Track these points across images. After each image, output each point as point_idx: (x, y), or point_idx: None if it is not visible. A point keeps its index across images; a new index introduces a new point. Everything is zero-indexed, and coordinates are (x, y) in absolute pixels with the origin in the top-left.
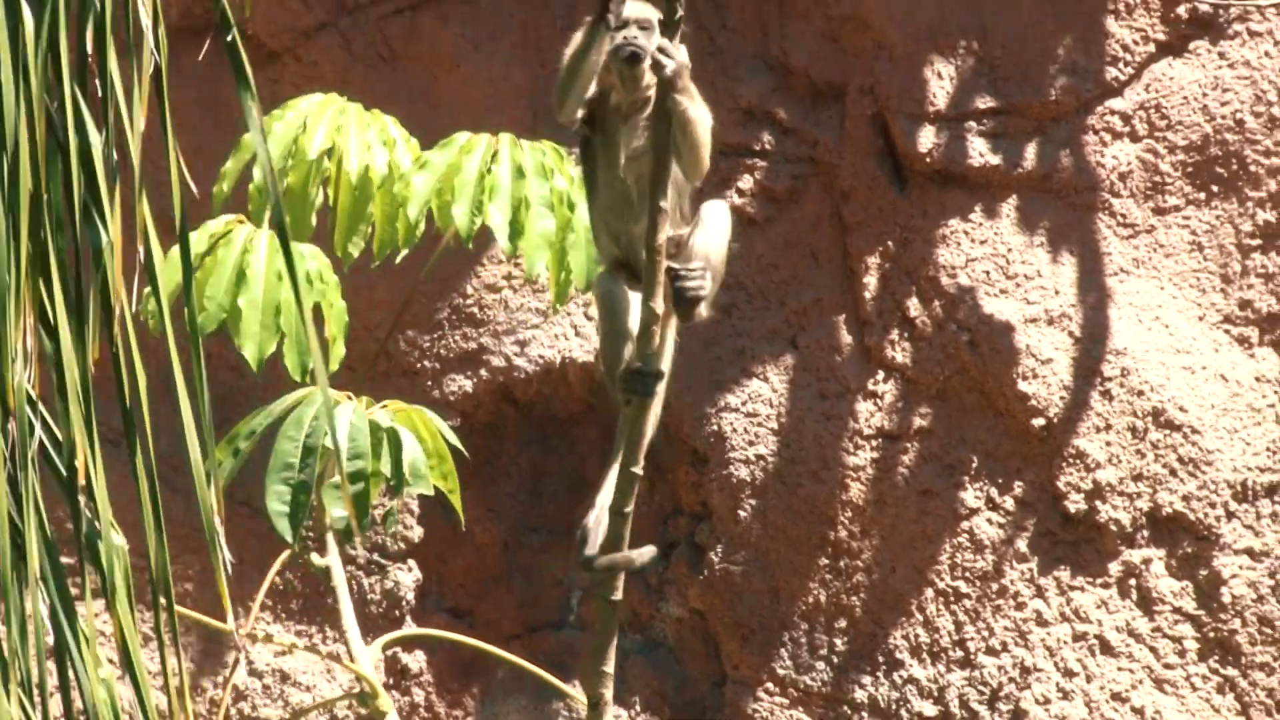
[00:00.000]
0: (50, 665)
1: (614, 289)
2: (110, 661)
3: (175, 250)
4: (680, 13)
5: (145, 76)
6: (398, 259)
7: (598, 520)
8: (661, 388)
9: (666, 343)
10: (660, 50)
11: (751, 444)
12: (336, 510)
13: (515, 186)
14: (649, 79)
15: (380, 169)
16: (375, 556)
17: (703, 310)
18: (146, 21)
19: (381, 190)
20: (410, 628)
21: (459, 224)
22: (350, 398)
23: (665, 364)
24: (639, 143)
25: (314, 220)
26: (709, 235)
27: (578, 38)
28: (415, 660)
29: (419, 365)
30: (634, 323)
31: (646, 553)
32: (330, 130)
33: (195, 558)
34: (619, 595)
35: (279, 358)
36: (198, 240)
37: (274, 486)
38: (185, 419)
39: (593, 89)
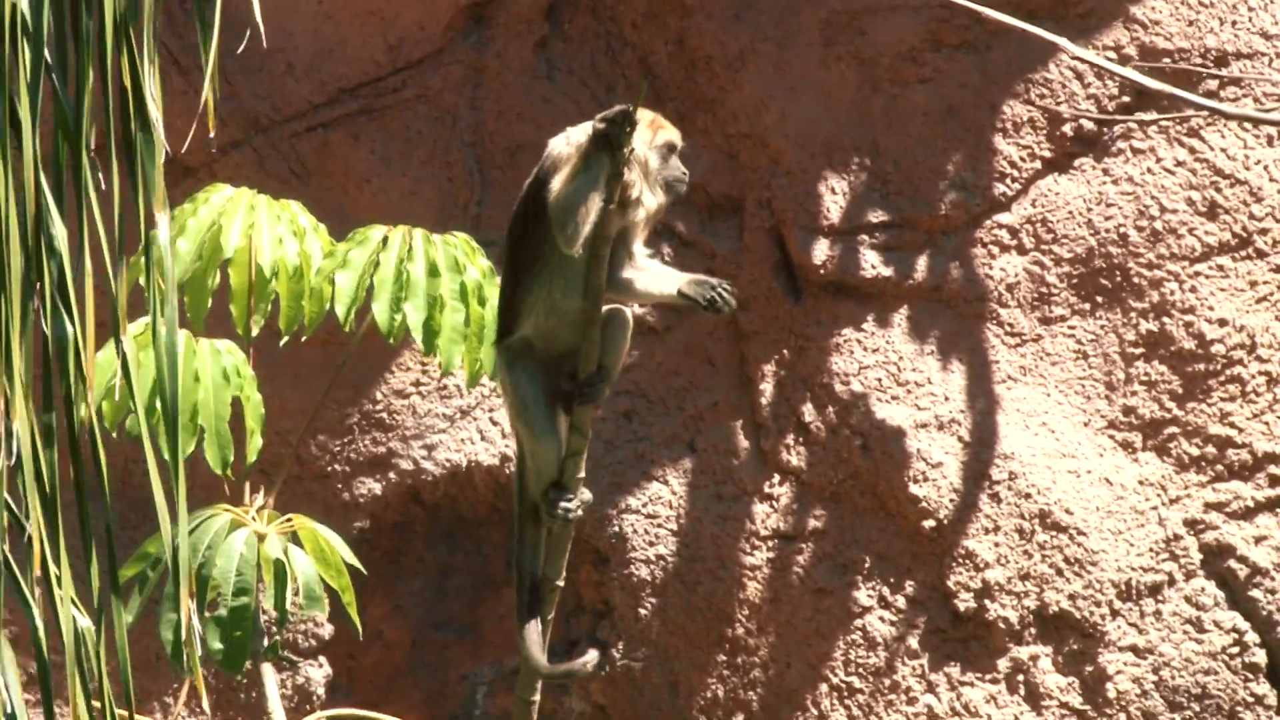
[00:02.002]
0: None
1: (535, 408)
2: None
3: (102, 353)
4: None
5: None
6: (303, 338)
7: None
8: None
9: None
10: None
11: (652, 544)
12: (216, 643)
13: (430, 284)
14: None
15: (292, 259)
16: (287, 653)
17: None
18: (156, 115)
19: (291, 279)
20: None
21: (380, 321)
22: (253, 517)
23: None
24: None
25: (210, 302)
26: (610, 344)
27: (573, 169)
28: None
29: (330, 469)
30: (557, 440)
31: (592, 659)
32: (244, 228)
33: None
34: (537, 696)
35: (199, 454)
36: (126, 345)
37: (166, 615)
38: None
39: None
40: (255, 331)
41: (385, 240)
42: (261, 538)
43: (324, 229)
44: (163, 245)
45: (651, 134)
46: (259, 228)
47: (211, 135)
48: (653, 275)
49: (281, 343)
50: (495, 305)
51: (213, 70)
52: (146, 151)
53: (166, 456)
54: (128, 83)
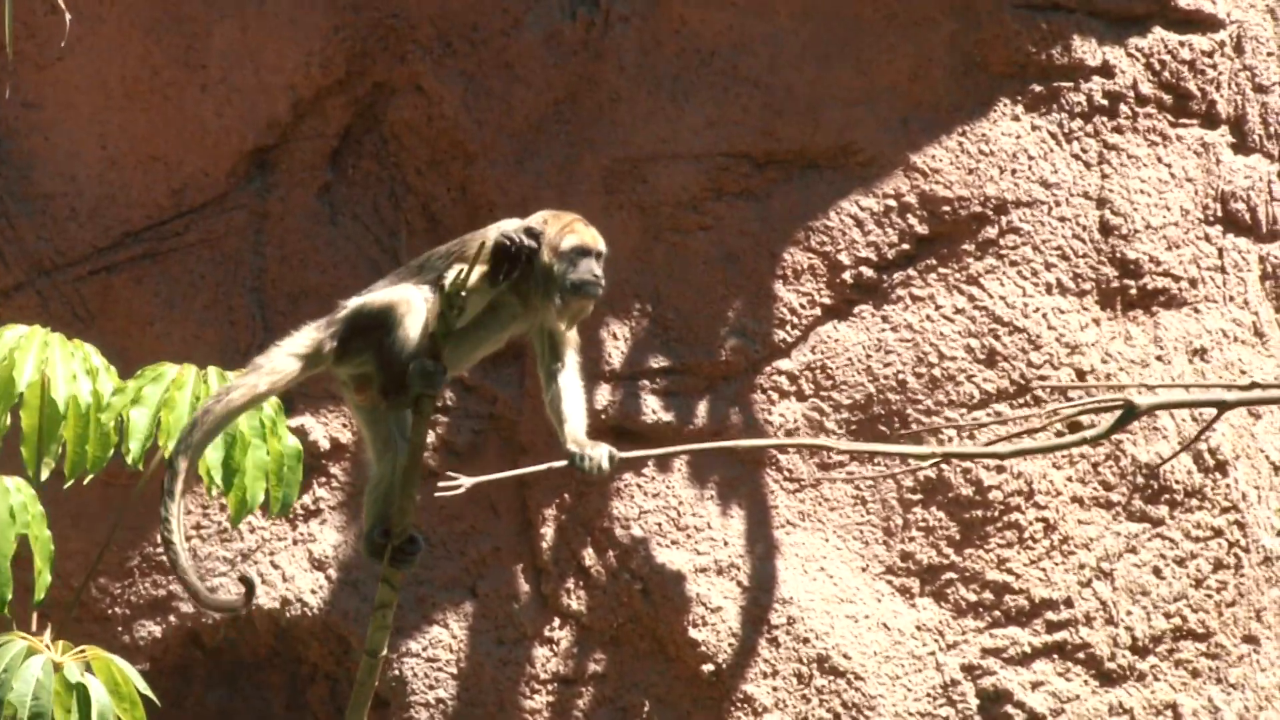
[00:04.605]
0: None
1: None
2: None
3: None
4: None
5: None
6: (85, 480)
7: None
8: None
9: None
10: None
11: (432, 688)
12: None
13: None
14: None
15: (85, 398)
16: None
17: None
18: None
19: (79, 421)
20: None
21: None
22: (47, 646)
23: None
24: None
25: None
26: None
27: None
28: None
29: (110, 611)
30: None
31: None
32: (37, 364)
33: None
34: (384, 651)
35: None
36: None
37: None
38: None
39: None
40: (45, 475)
41: (179, 377)
42: (58, 665)
43: (114, 370)
44: None
45: (558, 238)
46: (53, 364)
47: None
48: (566, 405)
49: (66, 485)
50: (291, 443)
51: None
52: None
53: None
54: None
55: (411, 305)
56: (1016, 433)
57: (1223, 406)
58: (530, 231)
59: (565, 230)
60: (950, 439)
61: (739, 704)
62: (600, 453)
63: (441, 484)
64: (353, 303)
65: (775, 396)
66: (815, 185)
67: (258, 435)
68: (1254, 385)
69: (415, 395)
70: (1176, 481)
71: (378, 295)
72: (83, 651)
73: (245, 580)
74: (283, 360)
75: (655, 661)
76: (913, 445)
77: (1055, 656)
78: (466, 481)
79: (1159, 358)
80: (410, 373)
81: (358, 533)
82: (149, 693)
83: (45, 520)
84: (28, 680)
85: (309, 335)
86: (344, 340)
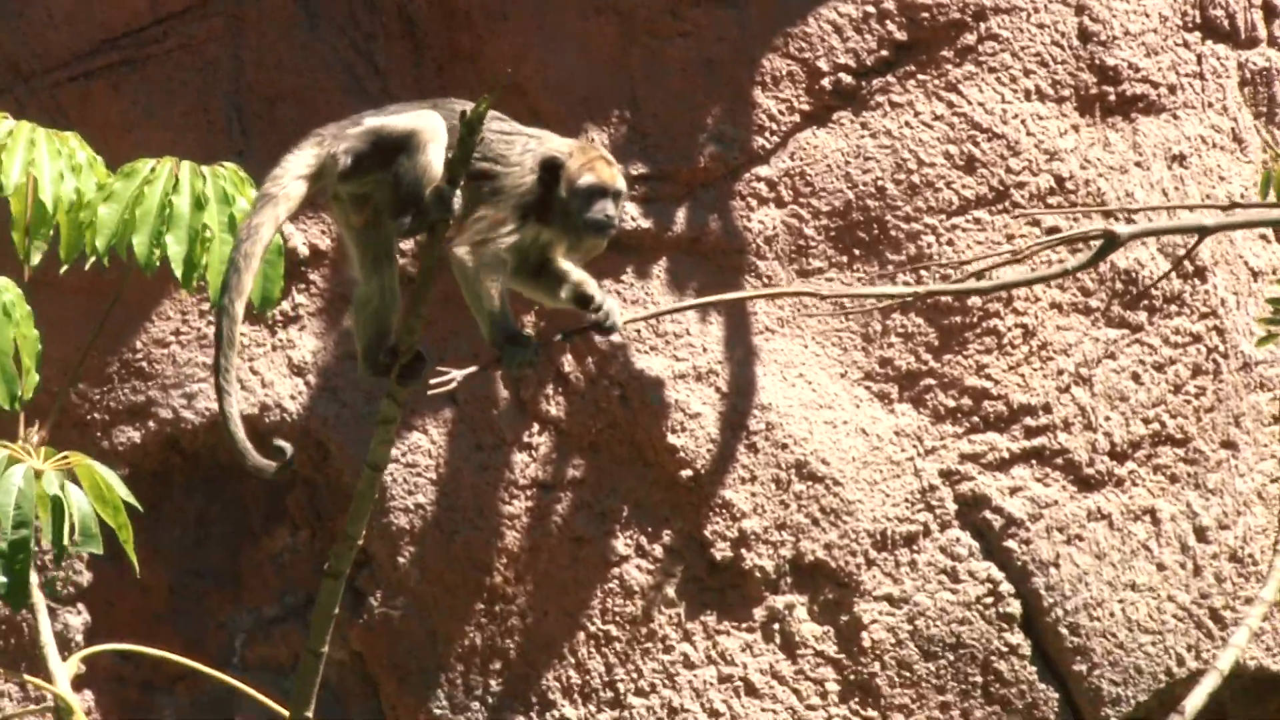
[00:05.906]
0: None
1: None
2: None
3: None
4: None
5: None
6: (86, 266)
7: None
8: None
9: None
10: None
11: (411, 494)
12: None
13: (194, 216)
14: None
15: (70, 195)
16: (46, 600)
17: None
18: None
19: (69, 214)
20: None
21: (139, 255)
22: (28, 452)
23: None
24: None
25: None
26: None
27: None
28: (83, 700)
29: (89, 417)
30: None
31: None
32: (24, 164)
33: None
34: (325, 649)
35: None
36: None
37: None
38: None
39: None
40: (36, 260)
41: (152, 173)
42: (39, 474)
43: (101, 162)
44: None
45: (576, 174)
46: (39, 164)
47: None
48: (546, 285)
49: (61, 270)
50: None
51: None
52: None
53: None
54: None
55: (436, 133)
56: (999, 262)
57: (1203, 232)
58: (552, 163)
59: (585, 167)
60: (930, 246)
61: (717, 509)
62: (613, 305)
63: (434, 380)
64: (371, 121)
65: (754, 203)
66: None
67: (226, 230)
68: (1234, 205)
69: (432, 220)
70: (1155, 287)
71: (401, 118)
72: (65, 458)
73: (279, 449)
74: (294, 185)
75: (634, 467)
76: (894, 286)
77: (1033, 462)
78: (458, 374)
79: (1138, 164)
80: (427, 198)
81: (336, 339)
82: (132, 499)
83: (32, 319)
84: (9, 490)
85: (311, 153)
86: (359, 157)
